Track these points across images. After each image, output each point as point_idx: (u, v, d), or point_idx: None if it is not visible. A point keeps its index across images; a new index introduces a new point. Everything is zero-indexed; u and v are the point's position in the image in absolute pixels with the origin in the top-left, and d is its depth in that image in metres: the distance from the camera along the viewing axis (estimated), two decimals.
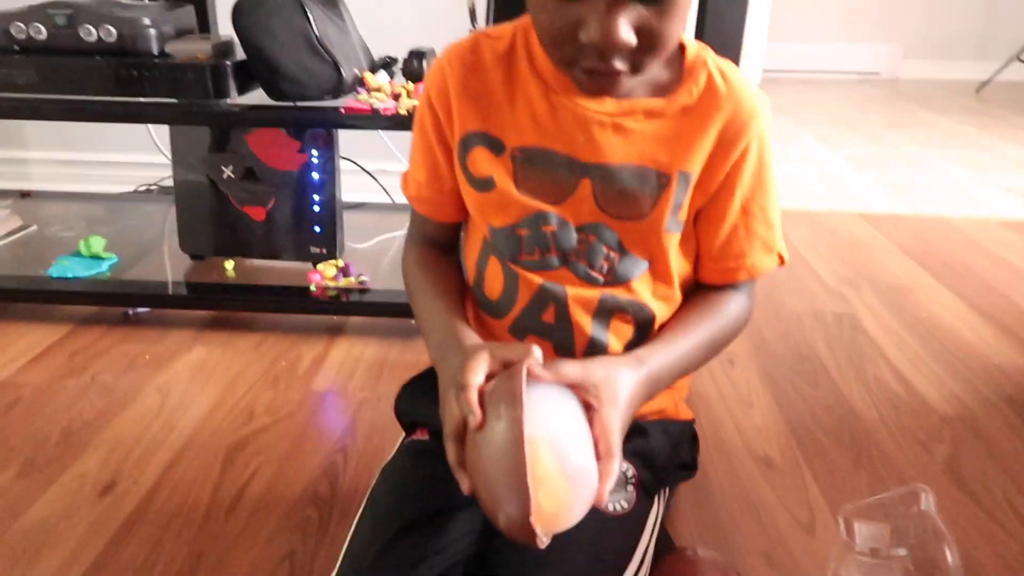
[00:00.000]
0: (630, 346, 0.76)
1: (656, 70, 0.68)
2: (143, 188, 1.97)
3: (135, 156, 2.00)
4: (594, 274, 0.74)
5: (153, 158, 1.96)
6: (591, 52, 0.60)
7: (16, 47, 1.37)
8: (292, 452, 1.07)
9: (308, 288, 1.41)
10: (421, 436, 0.82)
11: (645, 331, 0.76)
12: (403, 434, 0.87)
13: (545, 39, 0.64)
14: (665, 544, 0.82)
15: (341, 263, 1.46)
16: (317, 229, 1.48)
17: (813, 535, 0.94)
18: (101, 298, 1.42)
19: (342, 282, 1.43)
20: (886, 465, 1.07)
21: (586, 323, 0.74)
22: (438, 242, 0.85)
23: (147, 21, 1.37)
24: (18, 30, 1.36)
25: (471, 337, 0.73)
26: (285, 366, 1.29)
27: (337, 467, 1.04)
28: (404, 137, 1.84)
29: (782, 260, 0.78)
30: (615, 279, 0.74)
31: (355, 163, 1.82)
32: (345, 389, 1.23)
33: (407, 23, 1.81)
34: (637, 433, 0.78)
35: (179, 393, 1.21)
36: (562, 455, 0.59)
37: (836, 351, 1.36)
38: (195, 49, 1.38)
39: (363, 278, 1.43)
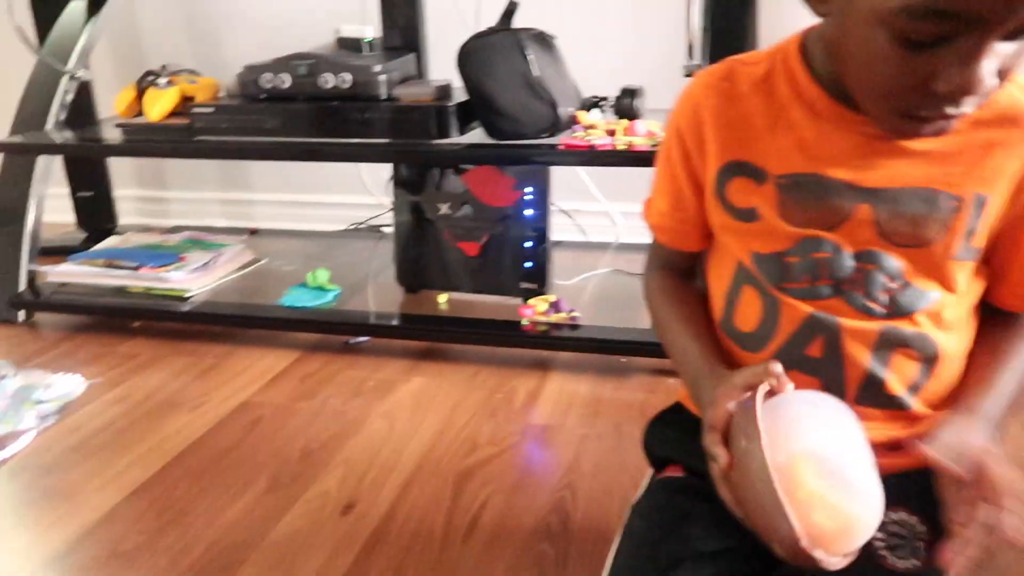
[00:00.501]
0: (913, 386, 0.69)
1: None
2: (354, 226, 2.09)
3: (346, 197, 2.13)
4: (872, 305, 0.67)
5: (362, 199, 2.08)
6: (939, 100, 0.56)
7: (263, 95, 1.50)
8: (519, 484, 1.06)
9: (520, 322, 1.42)
10: (674, 473, 0.78)
11: (930, 367, 0.69)
12: (649, 471, 0.84)
13: (880, 90, 0.59)
14: None
15: (552, 298, 1.46)
16: (528, 265, 1.50)
17: None
18: (326, 327, 1.50)
19: (553, 317, 1.42)
20: None
21: (863, 358, 0.68)
22: (678, 268, 0.82)
23: (378, 68, 1.46)
24: (266, 80, 1.49)
25: (722, 371, 0.70)
26: (501, 398, 1.29)
27: (566, 503, 1.02)
28: (604, 176, 1.86)
29: None
30: (896, 311, 0.67)
31: (555, 203, 1.84)
32: (563, 425, 1.21)
33: (614, 62, 1.82)
34: (924, 480, 0.70)
35: (404, 420, 1.24)
36: (829, 468, 0.55)
37: None
38: (419, 92, 1.45)
39: (575, 314, 1.42)
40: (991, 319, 0.71)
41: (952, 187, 0.64)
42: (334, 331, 1.51)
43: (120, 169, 2.22)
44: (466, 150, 1.39)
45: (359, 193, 2.08)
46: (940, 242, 0.65)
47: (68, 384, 1.35)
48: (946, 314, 0.68)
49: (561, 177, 1.72)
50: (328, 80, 1.46)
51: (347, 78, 1.46)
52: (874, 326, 0.67)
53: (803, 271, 0.68)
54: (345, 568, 0.91)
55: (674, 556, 0.68)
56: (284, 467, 1.12)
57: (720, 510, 0.72)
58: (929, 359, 0.69)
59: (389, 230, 1.68)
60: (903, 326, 0.67)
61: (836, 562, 0.54)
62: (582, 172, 1.89)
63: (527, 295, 1.49)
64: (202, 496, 1.05)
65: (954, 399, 0.69)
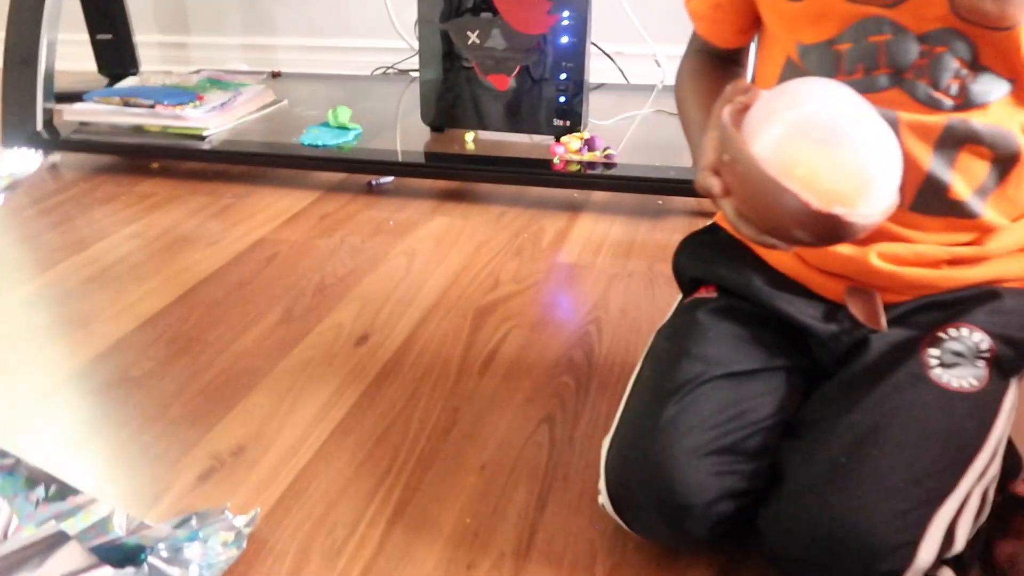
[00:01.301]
0: (982, 190, 0.60)
1: None
2: (381, 70, 1.97)
3: (374, 41, 2.01)
4: (939, 96, 0.58)
5: (391, 43, 1.95)
6: None
7: None
8: (542, 320, 1.00)
9: (550, 161, 1.33)
10: (708, 294, 0.70)
11: (1006, 168, 0.60)
12: (678, 296, 0.77)
13: None
14: (1012, 457, 0.66)
15: (587, 135, 1.36)
16: (562, 99, 1.38)
17: None
18: (348, 165, 1.43)
19: (587, 156, 1.32)
20: None
21: (924, 157, 0.59)
22: (719, 55, 0.73)
23: None
24: None
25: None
26: (528, 238, 1.22)
27: (591, 337, 0.96)
28: (648, 15, 1.69)
29: None
30: (967, 102, 0.58)
31: (595, 45, 1.70)
32: (592, 264, 1.14)
33: None
34: (992, 297, 0.62)
35: (424, 257, 1.17)
36: (821, 133, 0.50)
37: None
38: None
39: (609, 151, 1.32)
40: None
41: None
42: (355, 170, 1.43)
43: (139, 13, 2.11)
44: None
45: (388, 37, 1.95)
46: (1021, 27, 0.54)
47: (15, 161, 1.30)
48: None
49: (605, 16, 1.57)
50: None
51: None
52: (940, 119, 0.58)
53: (858, 59, 0.59)
54: (356, 396, 0.87)
55: (691, 376, 0.61)
56: (299, 300, 1.07)
57: (745, 329, 0.65)
58: (1004, 159, 0.59)
59: (417, 75, 1.57)
60: (974, 118, 0.58)
61: (867, 215, 0.50)
62: (628, 9, 1.73)
63: (560, 133, 1.38)
64: (214, 326, 1.02)
65: None
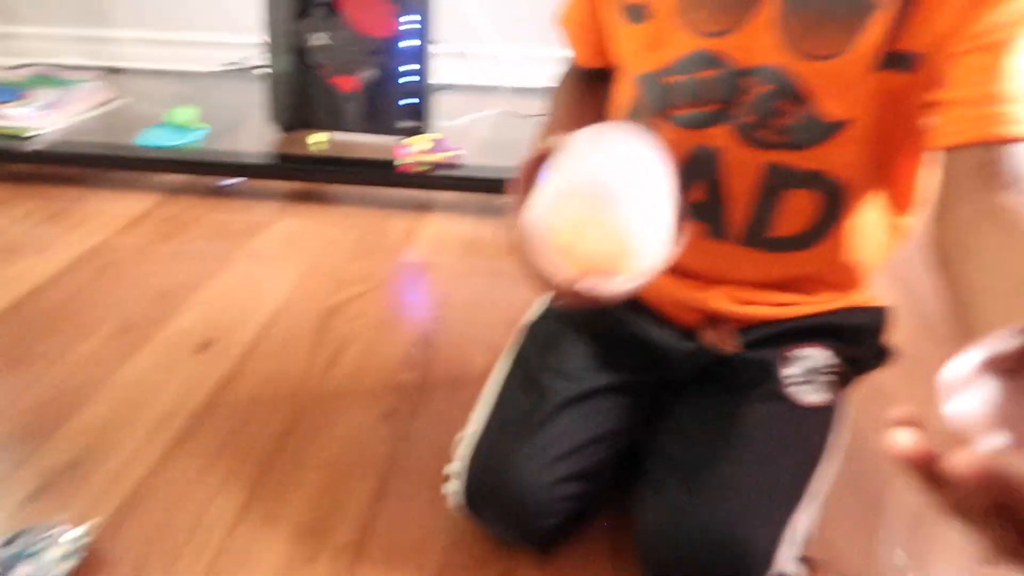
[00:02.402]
0: (807, 229, 0.63)
1: None
2: (226, 67, 1.93)
3: (221, 36, 1.96)
4: (762, 134, 0.59)
5: (238, 38, 1.91)
6: None
7: None
8: (386, 319, 1.03)
9: (397, 163, 1.36)
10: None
11: (832, 206, 0.61)
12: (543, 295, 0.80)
13: None
14: None
15: (435, 136, 1.40)
16: (408, 101, 1.41)
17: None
18: (191, 167, 1.40)
19: (433, 157, 1.36)
20: None
21: (745, 199, 0.62)
22: (588, 75, 0.76)
23: None
24: None
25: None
26: (375, 238, 1.25)
27: (432, 335, 1.00)
28: (492, 15, 1.75)
29: None
30: (792, 143, 0.59)
31: (440, 43, 1.74)
32: (437, 263, 1.18)
33: None
34: (834, 320, 0.68)
35: (269, 261, 1.18)
36: (589, 203, 0.51)
37: None
38: None
39: (456, 152, 1.37)
40: (968, 220, 0.51)
41: None
42: (198, 171, 1.41)
43: None
44: None
45: (235, 31, 1.91)
46: (854, 50, 0.55)
47: None
48: (860, 148, 0.59)
49: (452, 17, 1.61)
50: None
51: None
52: (762, 159, 0.60)
53: (688, 93, 0.61)
54: (197, 403, 0.87)
55: (553, 398, 0.67)
56: (137, 308, 1.05)
57: (602, 347, 0.70)
58: (832, 201, 0.61)
59: (266, 71, 1.55)
60: (797, 161, 0.60)
61: (619, 283, 0.51)
62: (469, 12, 1.78)
63: (407, 134, 1.42)
64: (47, 338, 0.99)
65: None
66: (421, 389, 0.90)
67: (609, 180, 0.52)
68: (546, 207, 0.52)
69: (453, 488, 0.68)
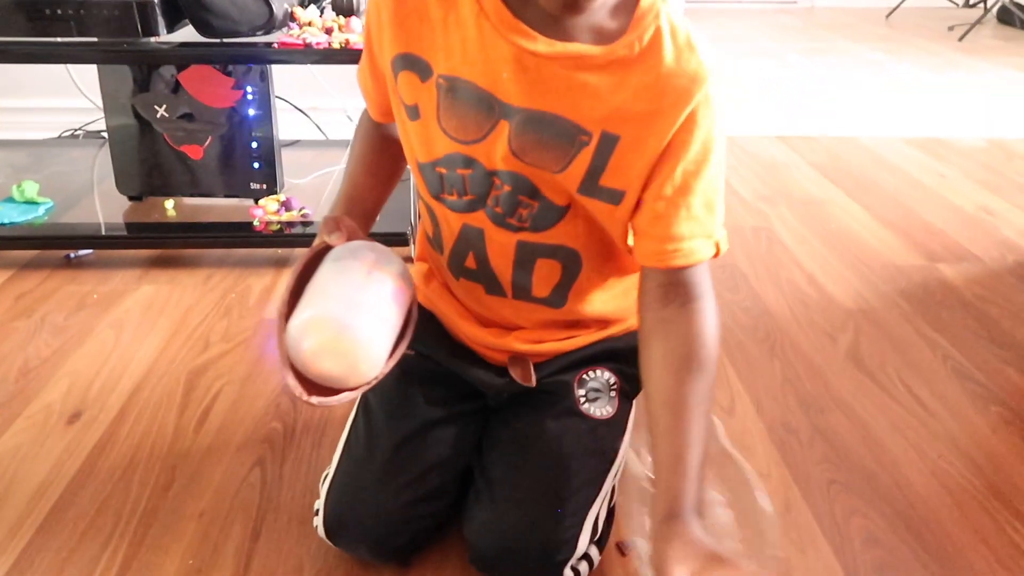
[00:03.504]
0: (559, 288, 0.78)
1: (603, 15, 0.63)
2: (67, 134, 1.93)
3: (56, 101, 1.96)
4: (510, 221, 0.72)
5: (75, 102, 1.92)
6: None
7: None
8: (251, 374, 1.12)
9: (251, 223, 1.44)
10: (408, 350, 0.86)
11: (574, 270, 0.76)
12: None
13: None
14: None
15: (283, 197, 1.49)
16: (256, 165, 1.50)
17: (733, 415, 1.05)
18: (42, 242, 1.43)
19: (285, 216, 1.46)
20: (796, 354, 1.19)
21: (506, 267, 0.76)
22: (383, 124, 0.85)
23: None
24: None
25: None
26: (235, 298, 1.33)
27: None
28: (336, 72, 1.86)
29: (718, 251, 0.71)
30: (534, 226, 0.72)
31: (287, 101, 1.83)
32: None
33: None
34: (611, 346, 0.84)
35: (132, 328, 1.24)
36: (330, 326, 0.65)
37: (754, 260, 1.48)
38: None
39: (305, 211, 1.47)
40: (654, 326, 0.71)
41: (584, 120, 0.65)
42: (50, 246, 1.43)
43: None
44: (175, 50, 1.35)
45: (72, 96, 1.92)
46: (566, 172, 0.68)
47: None
48: (580, 225, 0.72)
49: (293, 75, 1.71)
50: None
51: None
52: (512, 238, 0.74)
53: (452, 184, 0.73)
54: (72, 473, 0.93)
55: (404, 434, 0.78)
56: (2, 386, 1.09)
57: (433, 384, 0.82)
58: (569, 264, 0.76)
59: (107, 136, 1.59)
60: (539, 239, 0.73)
61: (340, 399, 0.68)
62: (315, 71, 1.89)
63: (258, 195, 1.51)
64: None
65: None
66: (288, 436, 1.00)
67: (347, 314, 0.66)
68: (295, 330, 0.66)
69: (317, 522, 0.79)
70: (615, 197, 0.69)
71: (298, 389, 0.66)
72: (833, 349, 1.21)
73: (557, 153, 0.67)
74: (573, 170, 0.68)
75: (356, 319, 0.66)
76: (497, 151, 0.68)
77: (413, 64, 0.70)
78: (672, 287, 0.70)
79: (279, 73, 1.53)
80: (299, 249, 1.49)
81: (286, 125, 1.65)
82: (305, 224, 1.45)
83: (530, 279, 0.77)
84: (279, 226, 1.44)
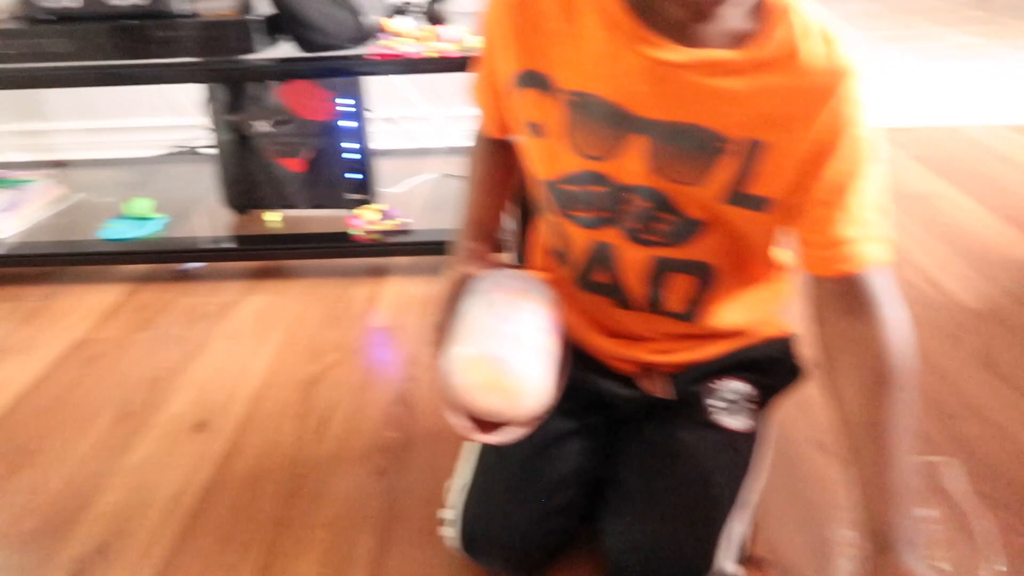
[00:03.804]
0: (692, 302, 0.76)
1: (734, 18, 0.61)
2: (172, 150, 2.01)
3: (162, 120, 2.04)
4: (645, 236, 0.71)
5: (178, 120, 1.99)
6: None
7: (51, 17, 1.40)
8: (365, 383, 1.14)
9: (351, 233, 1.47)
10: None
11: (708, 284, 0.75)
12: None
13: None
14: None
15: (383, 207, 1.51)
16: (352, 176, 1.53)
17: None
18: (157, 256, 1.48)
19: (383, 225, 1.48)
20: (922, 359, 1.14)
21: (638, 282, 0.75)
22: (499, 140, 0.83)
23: None
24: (52, 0, 1.39)
25: (470, 241, 0.79)
26: (342, 307, 1.35)
27: (409, 394, 1.11)
28: (423, 81, 1.88)
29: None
30: (669, 241, 0.71)
31: (377, 112, 1.86)
32: (403, 324, 1.30)
33: None
34: (746, 355, 0.82)
35: (246, 338, 1.27)
36: (489, 360, 0.65)
37: None
38: (221, 6, 1.41)
39: (405, 220, 1.49)
40: (837, 344, 0.67)
41: (724, 128, 0.63)
42: (164, 260, 1.49)
43: None
44: (274, 65, 1.38)
45: (177, 114, 1.99)
46: (707, 183, 0.65)
47: None
48: (720, 240, 0.70)
49: (379, 85, 1.73)
50: None
51: None
52: (647, 254, 0.72)
53: (584, 202, 0.72)
54: (204, 482, 0.96)
55: (534, 447, 0.76)
56: (131, 396, 1.13)
57: (568, 394, 0.77)
58: (704, 279, 0.75)
59: (212, 152, 1.65)
60: (674, 254, 0.71)
61: (510, 435, 0.67)
62: (400, 79, 1.91)
63: (355, 205, 1.53)
64: (50, 435, 1.06)
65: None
66: (407, 445, 1.01)
67: (504, 350, 0.65)
68: (454, 368, 0.65)
69: (449, 533, 0.79)
70: (761, 204, 0.67)
71: (467, 428, 0.65)
72: (961, 352, 1.15)
73: (697, 165, 0.65)
74: (715, 180, 0.66)
75: (510, 352, 0.65)
76: (631, 166, 0.67)
77: (536, 81, 0.69)
78: (848, 296, 0.66)
79: (368, 84, 1.56)
80: (398, 258, 1.51)
81: (374, 135, 1.67)
82: (404, 232, 1.47)
83: (663, 294, 0.76)
84: (379, 236, 1.46)
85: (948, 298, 1.30)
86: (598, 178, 0.69)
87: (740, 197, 0.66)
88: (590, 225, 0.73)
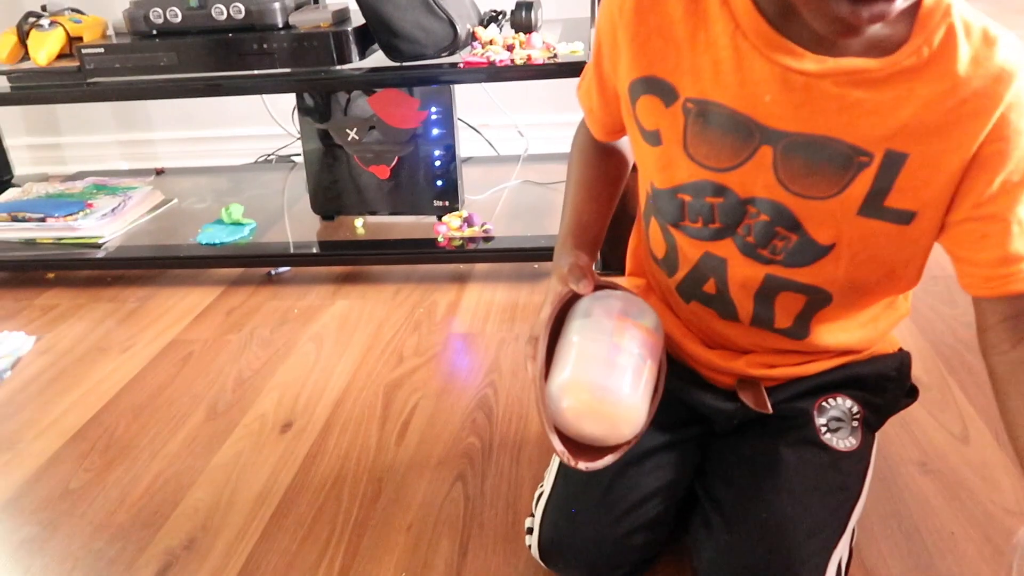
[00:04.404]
0: (801, 318, 0.72)
1: (885, 26, 0.55)
2: (264, 158, 2.08)
3: (253, 129, 2.11)
4: (761, 252, 0.67)
5: (268, 130, 2.06)
6: None
7: (154, 32, 1.47)
8: (446, 388, 1.14)
9: (435, 239, 1.48)
10: None
11: (820, 305, 0.71)
12: None
13: None
14: None
15: (465, 214, 1.52)
16: (439, 183, 1.54)
17: (967, 443, 0.95)
18: (247, 260, 1.53)
19: (467, 232, 1.48)
20: None
21: (746, 298, 0.71)
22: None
23: None
24: (156, 15, 1.45)
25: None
26: (424, 312, 1.36)
27: (489, 400, 1.11)
28: (507, 89, 1.89)
29: None
30: (787, 261, 0.67)
31: (461, 120, 1.87)
32: (483, 331, 1.29)
33: None
34: (852, 371, 0.77)
35: (331, 341, 1.29)
36: (590, 388, 0.64)
37: None
38: (317, 19, 1.44)
39: (487, 226, 1.49)
40: (1003, 359, 0.63)
41: (863, 140, 0.59)
42: (254, 264, 1.53)
43: (7, 117, 2.13)
44: (367, 75, 1.41)
45: (266, 124, 2.06)
46: (841, 197, 0.62)
47: (15, 341, 1.35)
48: (841, 268, 0.66)
49: (466, 93, 1.74)
50: (221, 11, 1.44)
51: (240, 8, 1.44)
52: (760, 271, 0.69)
53: (697, 212, 0.69)
54: (288, 481, 0.98)
55: (628, 455, 0.71)
56: (220, 396, 1.17)
57: (663, 406, 0.73)
58: (815, 301, 0.70)
59: (300, 160, 1.69)
60: (791, 276, 0.68)
61: (604, 462, 0.66)
62: (486, 87, 1.92)
63: (441, 212, 1.54)
64: (143, 431, 1.10)
65: None
66: (487, 451, 1.00)
67: (610, 379, 0.64)
68: (556, 392, 0.65)
69: (531, 542, 0.78)
70: (904, 218, 0.62)
71: (566, 456, 0.65)
72: None
73: (830, 179, 0.61)
74: (850, 194, 0.62)
75: (615, 380, 0.64)
76: (756, 179, 0.64)
77: (656, 88, 0.66)
78: (1019, 320, 0.61)
79: (458, 92, 1.57)
80: (480, 265, 1.51)
81: (461, 142, 1.68)
82: (487, 239, 1.47)
83: (772, 311, 0.72)
84: (461, 242, 1.47)
85: None
86: (718, 189, 0.66)
87: (880, 210, 0.62)
88: (704, 237, 0.70)
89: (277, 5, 1.43)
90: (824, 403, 0.76)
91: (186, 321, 1.40)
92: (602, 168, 0.82)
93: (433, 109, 1.50)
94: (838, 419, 0.76)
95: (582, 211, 0.80)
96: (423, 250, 1.47)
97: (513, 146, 1.96)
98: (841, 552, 0.70)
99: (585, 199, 0.81)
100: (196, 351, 1.30)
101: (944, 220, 0.62)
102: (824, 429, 0.75)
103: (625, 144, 0.82)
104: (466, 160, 1.87)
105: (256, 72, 1.43)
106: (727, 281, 0.71)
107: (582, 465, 0.65)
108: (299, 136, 1.60)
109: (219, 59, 1.44)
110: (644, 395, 0.66)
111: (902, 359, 0.81)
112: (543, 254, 1.43)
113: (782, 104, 0.60)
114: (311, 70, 1.41)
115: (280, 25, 1.44)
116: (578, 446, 0.66)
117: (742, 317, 0.74)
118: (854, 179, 0.61)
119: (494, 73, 1.35)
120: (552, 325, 0.68)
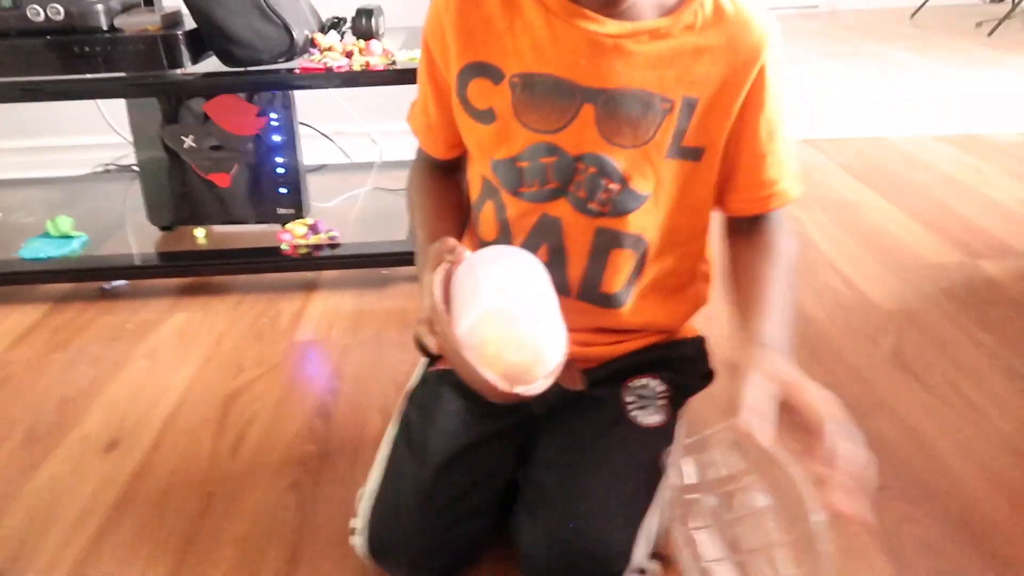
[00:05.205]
0: (627, 283, 0.78)
1: None
2: (100, 168, 1.97)
3: (87, 138, 2.00)
4: (592, 206, 0.74)
5: (106, 138, 1.95)
6: None
7: None
8: (285, 397, 1.12)
9: (279, 248, 1.45)
10: (446, 366, 0.83)
11: (642, 263, 0.79)
12: (423, 359, 0.89)
13: None
14: None
15: (310, 221, 1.50)
16: (283, 190, 1.52)
17: None
18: (77, 275, 1.44)
19: (312, 239, 1.47)
20: (837, 359, 1.16)
21: (580, 258, 0.77)
22: (440, 166, 0.87)
23: None
24: None
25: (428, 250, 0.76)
26: (267, 322, 1.33)
27: (329, 407, 1.10)
28: (358, 96, 1.88)
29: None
30: (614, 211, 0.74)
31: (311, 127, 1.85)
32: (328, 338, 1.28)
33: None
34: (660, 352, 0.83)
35: (167, 355, 1.25)
36: (508, 316, 0.64)
37: None
38: (144, 21, 1.39)
39: (333, 234, 1.47)
40: (743, 239, 0.79)
41: (664, 89, 0.70)
42: (85, 278, 1.45)
43: None
44: (200, 80, 1.37)
45: (104, 133, 1.95)
46: (652, 141, 0.72)
47: None
48: (659, 214, 0.76)
49: (316, 101, 1.72)
50: (37, 12, 1.36)
51: (59, 9, 1.36)
52: (592, 224, 0.75)
53: (534, 175, 0.75)
54: (110, 502, 0.93)
55: (440, 454, 0.76)
56: (40, 418, 1.10)
57: (475, 401, 0.74)
58: (642, 260, 0.78)
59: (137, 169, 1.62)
60: (617, 226, 0.76)
61: (539, 386, 0.65)
62: (336, 94, 1.90)
63: (285, 220, 1.52)
64: None
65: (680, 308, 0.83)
66: (323, 457, 0.99)
67: (520, 305, 0.65)
68: (471, 331, 0.63)
69: (358, 541, 0.78)
70: (696, 154, 0.73)
71: (502, 383, 0.62)
72: (875, 352, 1.18)
73: (644, 126, 0.71)
74: (660, 138, 0.72)
75: (524, 307, 0.65)
76: (584, 136, 0.72)
77: (484, 71, 0.74)
78: (758, 224, 0.78)
79: (302, 99, 1.55)
80: (328, 272, 1.50)
81: (310, 150, 1.66)
82: (333, 247, 1.46)
83: (602, 272, 0.77)
84: (307, 250, 1.45)
85: (865, 301, 1.32)
86: (550, 149, 0.73)
87: (679, 150, 0.73)
88: (540, 199, 0.75)
89: (100, 7, 1.37)
90: (632, 383, 0.81)
91: (7, 341, 1.31)
92: (444, 196, 0.85)
93: (273, 115, 1.48)
94: (645, 397, 0.81)
95: (434, 228, 0.82)
96: (267, 259, 1.45)
97: (368, 154, 1.95)
98: (650, 525, 0.74)
99: (435, 220, 0.83)
100: (15, 373, 1.21)
101: (725, 154, 0.75)
102: (631, 407, 0.80)
103: (461, 167, 0.86)
104: (319, 168, 1.85)
105: (80, 76, 1.36)
106: (563, 242, 0.76)
107: (519, 388, 0.63)
108: (135, 144, 1.54)
109: (40, 63, 1.36)
110: (555, 316, 0.67)
111: (702, 344, 0.88)
112: (391, 259, 1.43)
113: (596, 65, 0.70)
114: (139, 74, 1.36)
115: (104, 28, 1.37)
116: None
117: (571, 285, 0.78)
118: (661, 124, 0.71)
119: (332, 79, 1.34)
120: (444, 290, 0.67)
